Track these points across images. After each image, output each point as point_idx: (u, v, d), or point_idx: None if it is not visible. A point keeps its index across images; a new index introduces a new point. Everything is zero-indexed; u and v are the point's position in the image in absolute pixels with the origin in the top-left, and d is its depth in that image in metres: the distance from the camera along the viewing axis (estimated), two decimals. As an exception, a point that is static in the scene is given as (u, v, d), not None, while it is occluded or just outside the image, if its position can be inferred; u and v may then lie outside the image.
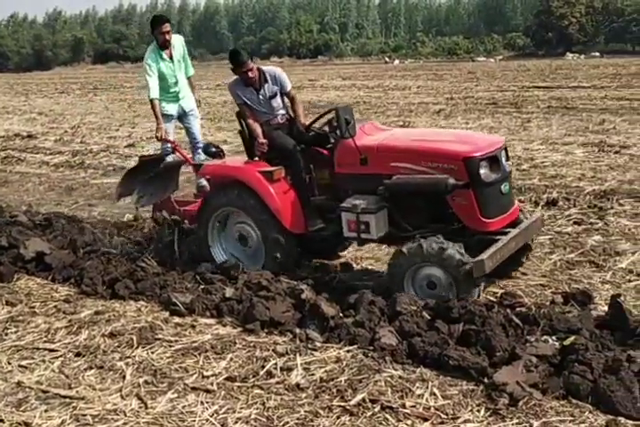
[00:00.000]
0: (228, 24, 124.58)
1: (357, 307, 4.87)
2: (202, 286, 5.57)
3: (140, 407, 3.91)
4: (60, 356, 4.61)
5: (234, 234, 6.17)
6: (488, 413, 3.66)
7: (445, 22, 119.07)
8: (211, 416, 3.77)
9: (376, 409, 3.73)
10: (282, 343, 4.60)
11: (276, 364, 4.30)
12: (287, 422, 3.67)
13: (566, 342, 4.17)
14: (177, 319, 5.13)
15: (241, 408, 3.84)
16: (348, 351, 4.41)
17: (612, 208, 7.91)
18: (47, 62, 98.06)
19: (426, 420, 3.63)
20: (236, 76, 6.17)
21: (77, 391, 4.11)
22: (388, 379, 4.02)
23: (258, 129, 6.07)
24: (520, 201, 6.14)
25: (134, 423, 3.75)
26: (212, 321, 5.08)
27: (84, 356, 4.58)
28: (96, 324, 5.09)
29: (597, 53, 68.45)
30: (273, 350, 4.49)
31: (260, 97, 6.12)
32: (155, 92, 7.97)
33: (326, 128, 5.91)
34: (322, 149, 5.96)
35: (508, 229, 5.36)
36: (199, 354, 4.51)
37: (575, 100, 20.50)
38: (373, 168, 5.46)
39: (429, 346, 4.25)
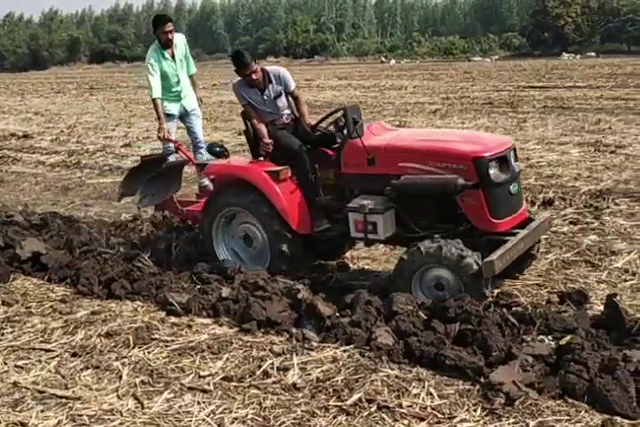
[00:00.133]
0: (225, 24, 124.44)
1: (354, 307, 4.87)
2: (198, 286, 5.57)
3: (137, 407, 3.91)
4: (57, 356, 4.60)
5: (238, 234, 6.15)
6: (484, 412, 3.66)
7: (441, 22, 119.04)
8: (207, 416, 3.77)
9: (372, 409, 3.73)
10: (278, 343, 4.60)
11: (272, 364, 4.29)
12: (284, 422, 3.67)
13: (562, 342, 4.18)
14: (173, 319, 5.12)
15: (237, 408, 3.84)
16: (344, 351, 4.41)
17: (607, 208, 7.93)
18: (43, 62, 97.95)
19: (422, 420, 3.63)
20: (239, 77, 6.13)
21: (74, 391, 4.10)
22: (385, 379, 4.02)
23: (263, 129, 6.04)
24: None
25: (131, 423, 3.75)
26: (208, 321, 5.07)
27: (80, 356, 4.58)
28: (92, 324, 5.08)
29: (593, 53, 68.53)
30: (269, 350, 4.49)
31: (265, 97, 6.09)
32: (157, 91, 7.96)
33: (332, 128, 5.88)
34: (327, 149, 5.93)
35: (516, 230, 5.31)
36: (195, 354, 4.51)
37: (571, 99, 20.54)
38: (381, 168, 5.42)
39: (426, 346, 4.25)
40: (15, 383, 4.23)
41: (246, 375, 4.19)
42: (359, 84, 32.92)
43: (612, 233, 7.06)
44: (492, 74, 37.16)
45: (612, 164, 10.44)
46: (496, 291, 5.42)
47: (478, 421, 3.60)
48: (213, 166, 6.23)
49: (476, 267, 4.82)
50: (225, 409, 3.84)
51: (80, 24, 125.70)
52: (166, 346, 4.66)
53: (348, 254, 6.66)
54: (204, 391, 4.04)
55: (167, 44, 8.13)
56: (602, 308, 4.89)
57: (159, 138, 7.92)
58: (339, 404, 3.81)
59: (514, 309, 5.03)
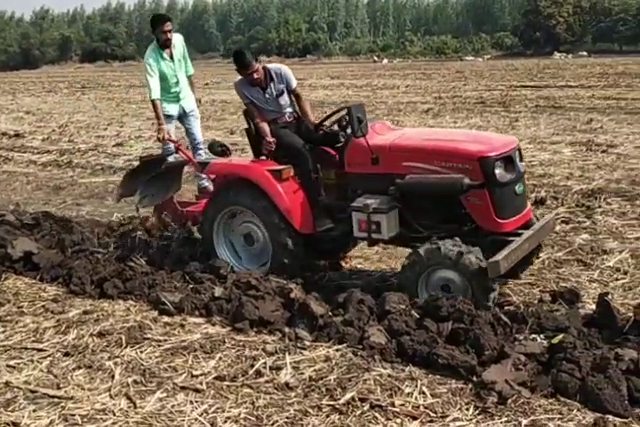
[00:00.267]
0: (217, 23, 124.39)
1: (346, 306, 4.87)
2: (191, 286, 5.56)
3: (129, 407, 3.90)
4: (49, 356, 4.59)
5: (239, 233, 6.10)
6: (477, 411, 3.67)
7: (434, 22, 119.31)
8: (200, 416, 3.77)
9: (365, 408, 3.74)
10: (271, 342, 4.60)
11: (265, 363, 4.29)
12: (276, 421, 3.67)
13: (554, 341, 4.19)
14: (166, 319, 5.11)
15: (230, 407, 3.83)
16: (337, 350, 4.41)
17: (599, 207, 7.95)
18: (34, 61, 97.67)
19: (415, 418, 3.63)
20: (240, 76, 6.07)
21: (66, 391, 4.09)
22: (378, 378, 4.03)
23: (265, 128, 5.99)
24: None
25: (123, 423, 3.74)
26: (201, 320, 5.06)
27: (72, 355, 4.56)
28: (84, 323, 5.06)
29: (585, 53, 68.76)
30: (262, 349, 4.49)
31: (267, 96, 6.03)
32: (156, 92, 7.88)
33: (335, 127, 5.84)
34: (329, 148, 5.90)
35: (520, 231, 5.28)
36: (188, 353, 4.50)
37: (563, 99, 20.60)
38: (385, 168, 5.38)
39: (418, 345, 4.25)
40: (7, 383, 4.22)
41: (239, 375, 4.19)
42: (351, 83, 32.95)
43: (604, 232, 7.08)
44: (484, 73, 37.23)
45: (604, 163, 10.47)
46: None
47: (471, 420, 3.60)
48: (215, 165, 6.17)
49: (480, 266, 4.77)
50: (218, 408, 3.83)
51: (72, 23, 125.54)
52: (159, 345, 4.65)
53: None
54: (197, 391, 4.04)
55: (166, 44, 8.04)
56: (594, 307, 4.90)
57: (159, 139, 7.85)
58: (331, 403, 3.81)
59: (506, 308, 5.05)
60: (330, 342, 4.52)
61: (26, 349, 4.72)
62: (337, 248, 6.37)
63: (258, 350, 4.49)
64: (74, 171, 12.32)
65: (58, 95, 32.61)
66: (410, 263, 5.02)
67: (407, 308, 4.73)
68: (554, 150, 11.64)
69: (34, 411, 3.89)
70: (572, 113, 16.94)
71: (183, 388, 4.08)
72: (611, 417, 3.56)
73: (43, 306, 5.48)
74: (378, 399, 3.80)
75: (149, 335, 4.81)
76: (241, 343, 4.61)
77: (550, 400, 3.76)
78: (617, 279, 5.77)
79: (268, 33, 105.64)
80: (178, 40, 8.23)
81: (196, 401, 3.92)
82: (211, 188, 7.14)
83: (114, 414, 3.82)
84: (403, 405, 3.76)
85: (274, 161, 5.92)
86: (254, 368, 4.24)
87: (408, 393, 3.86)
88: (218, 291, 5.29)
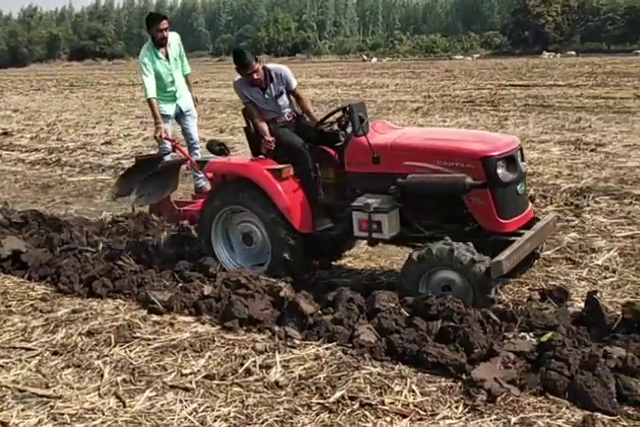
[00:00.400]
0: (206, 21, 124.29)
1: (336, 304, 4.87)
2: (180, 284, 5.54)
3: (119, 406, 3.89)
4: (37, 355, 4.57)
5: (238, 233, 6.06)
6: (466, 409, 3.67)
7: (423, 20, 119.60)
8: (189, 414, 3.76)
9: (355, 406, 3.74)
10: (260, 341, 4.59)
11: (254, 361, 4.29)
12: (266, 420, 3.66)
13: (543, 339, 4.20)
14: (155, 317, 5.10)
15: (220, 406, 3.83)
16: (326, 349, 4.41)
17: (588, 206, 7.98)
18: (22, 59, 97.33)
19: (404, 416, 3.64)
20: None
21: (55, 390, 4.08)
22: (367, 376, 4.03)
23: (264, 127, 5.94)
24: (531, 200, 6.09)
25: (112, 422, 3.73)
26: (190, 319, 5.05)
27: (61, 355, 4.55)
28: (73, 322, 5.05)
29: (573, 52, 69.07)
30: (252, 348, 4.48)
31: (267, 96, 5.99)
32: (152, 91, 7.82)
33: (335, 126, 5.80)
34: (328, 147, 5.87)
35: (522, 231, 5.26)
36: (178, 352, 4.50)
37: (551, 98, 20.66)
38: (386, 167, 5.32)
39: (408, 343, 4.26)
40: (-5, 382, 4.20)
41: (228, 373, 4.18)
42: (341, 82, 32.95)
43: (593, 231, 7.11)
44: (473, 72, 37.30)
45: (593, 162, 10.51)
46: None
47: (460, 417, 3.61)
48: (213, 164, 6.11)
49: (484, 269, 4.74)
50: (207, 407, 3.83)
51: (60, 21, 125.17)
52: (148, 344, 4.64)
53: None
54: (187, 390, 4.03)
55: (161, 43, 7.96)
56: (582, 305, 4.92)
57: (156, 138, 7.81)
58: (321, 401, 3.81)
59: (495, 306, 5.05)
60: (319, 340, 4.52)
61: (14, 348, 4.70)
62: (335, 248, 6.34)
63: (247, 348, 4.49)
64: (62, 169, 12.27)
65: (46, 93, 32.49)
66: (418, 258, 4.94)
67: (397, 306, 4.74)
68: (543, 149, 11.67)
69: (22, 410, 3.87)
70: (560, 112, 16.99)
71: (172, 387, 4.07)
72: (599, 415, 3.57)
73: (31, 305, 5.46)
74: (367, 398, 3.80)
75: (138, 334, 4.79)
76: (230, 342, 4.60)
77: (539, 398, 3.77)
78: (605, 278, 5.80)
79: (257, 31, 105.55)
80: (174, 39, 8.15)
81: (186, 400, 3.91)
82: (207, 187, 7.11)
83: (103, 414, 3.81)
84: (392, 403, 3.76)
85: (273, 160, 5.89)
86: (244, 367, 4.23)
87: (398, 391, 3.86)
88: (207, 289, 5.28)
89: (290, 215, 5.63)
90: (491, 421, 3.57)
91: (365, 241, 5.89)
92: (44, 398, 3.99)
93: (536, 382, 3.86)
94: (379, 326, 4.49)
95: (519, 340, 4.30)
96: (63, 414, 3.82)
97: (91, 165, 12.30)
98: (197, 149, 8.31)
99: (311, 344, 4.48)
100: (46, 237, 6.80)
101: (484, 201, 5.07)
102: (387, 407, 3.71)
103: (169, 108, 8.18)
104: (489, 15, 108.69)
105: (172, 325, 4.95)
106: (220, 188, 6.07)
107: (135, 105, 23.57)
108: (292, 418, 3.68)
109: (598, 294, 4.92)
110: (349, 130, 5.49)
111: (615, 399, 3.66)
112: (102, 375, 4.23)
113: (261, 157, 6.01)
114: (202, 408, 3.81)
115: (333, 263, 6.44)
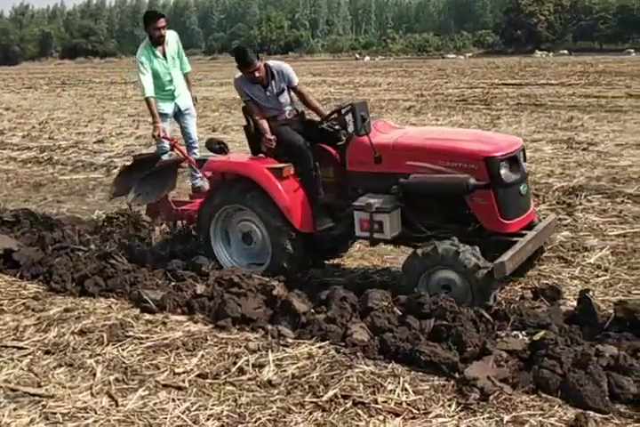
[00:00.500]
0: (198, 20, 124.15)
1: (329, 303, 4.87)
2: (173, 283, 5.53)
3: (111, 405, 3.88)
4: (29, 354, 4.55)
5: (237, 232, 6.02)
6: (459, 408, 3.68)
7: (415, 19, 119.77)
8: (182, 413, 3.75)
9: (348, 405, 3.74)
10: (253, 340, 4.59)
11: (247, 360, 4.28)
12: (259, 419, 3.66)
13: (536, 337, 4.21)
14: (148, 316, 5.09)
15: (213, 405, 3.82)
16: (319, 347, 4.41)
17: (580, 204, 8.00)
18: (14, 57, 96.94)
19: (397, 415, 3.64)
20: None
21: (47, 389, 4.06)
22: (360, 375, 4.03)
23: (265, 125, 5.89)
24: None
25: (105, 421, 3.72)
26: (183, 318, 5.04)
27: (53, 354, 4.53)
28: (65, 321, 5.03)
29: (566, 51, 69.27)
30: (245, 347, 4.48)
31: (268, 93, 5.94)
32: (149, 90, 7.76)
33: (337, 125, 5.77)
34: (329, 146, 5.83)
35: (524, 231, 5.25)
36: (170, 351, 4.48)
37: (544, 97, 20.71)
38: (388, 167, 5.29)
39: (401, 342, 4.26)
40: (-13, 382, 4.19)
41: (221, 372, 4.17)
42: (333, 80, 32.93)
43: (585, 229, 7.12)
44: (465, 71, 37.37)
45: (585, 161, 10.53)
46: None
47: (453, 416, 3.61)
48: (213, 163, 6.06)
49: (489, 281, 4.73)
50: (200, 406, 3.82)
51: (52, 19, 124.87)
52: (141, 343, 4.63)
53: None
54: (179, 388, 4.02)
55: (158, 42, 7.91)
56: (575, 303, 4.93)
57: (154, 137, 7.77)
58: (314, 400, 3.80)
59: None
60: (312, 339, 4.51)
61: (6, 347, 4.68)
62: (336, 248, 6.32)
63: (240, 347, 4.48)
64: (54, 168, 12.23)
65: (38, 92, 32.39)
66: (423, 254, 4.91)
67: (390, 305, 4.74)
68: (535, 148, 11.68)
69: (14, 410, 3.85)
70: (552, 111, 17.03)
71: (165, 386, 4.06)
72: (592, 413, 3.58)
73: (23, 304, 5.43)
74: (360, 396, 3.80)
75: (131, 333, 4.78)
76: (223, 341, 4.60)
77: (532, 396, 3.77)
78: (598, 276, 5.81)
79: (249, 30, 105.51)
80: (171, 37, 8.10)
81: (179, 399, 3.90)
82: (205, 187, 7.08)
83: (95, 413, 3.80)
84: (385, 402, 3.76)
85: (273, 159, 5.85)
86: (237, 366, 4.23)
87: (390, 390, 3.86)
88: (200, 288, 5.27)
89: (290, 215, 5.60)
90: (483, 419, 3.57)
91: (359, 240, 5.88)
92: (37, 398, 3.98)
93: (528, 380, 3.86)
94: (371, 324, 4.49)
95: (512, 338, 4.31)
96: (55, 413, 3.80)
97: (83, 164, 12.27)
98: (196, 148, 8.28)
99: (304, 343, 4.48)
100: (38, 236, 6.78)
101: (486, 201, 5.05)
102: (380, 406, 3.71)
103: (167, 107, 8.13)
104: (481, 14, 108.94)
105: (164, 324, 4.94)
106: (219, 186, 6.03)
107: (127, 103, 23.54)
108: (284, 417, 3.67)
109: (591, 293, 4.92)
110: (350, 129, 5.45)
111: (607, 398, 3.67)
112: (95, 374, 4.22)
113: (261, 155, 5.98)
114: (194, 407, 3.81)
115: (326, 262, 6.44)
